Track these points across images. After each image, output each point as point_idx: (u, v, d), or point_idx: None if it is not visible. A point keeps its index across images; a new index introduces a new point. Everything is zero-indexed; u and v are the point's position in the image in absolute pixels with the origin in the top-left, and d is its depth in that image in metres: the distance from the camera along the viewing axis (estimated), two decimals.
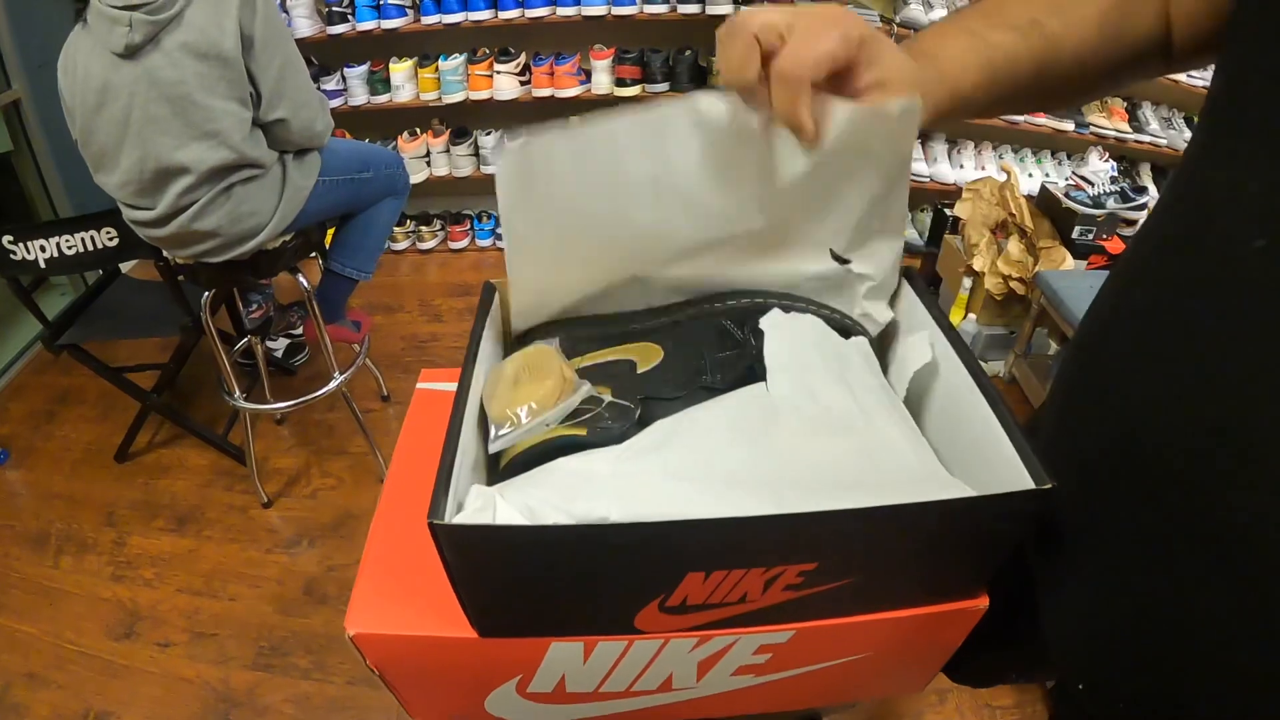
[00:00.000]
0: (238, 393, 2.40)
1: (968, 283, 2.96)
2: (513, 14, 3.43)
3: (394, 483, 0.78)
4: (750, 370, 0.70)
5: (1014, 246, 2.82)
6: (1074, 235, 2.82)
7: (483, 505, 0.57)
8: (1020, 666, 0.84)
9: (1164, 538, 0.58)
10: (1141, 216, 2.92)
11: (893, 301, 0.78)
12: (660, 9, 3.40)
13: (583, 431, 0.65)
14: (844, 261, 0.72)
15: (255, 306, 2.45)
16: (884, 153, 0.64)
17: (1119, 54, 0.70)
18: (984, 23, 0.68)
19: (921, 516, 0.57)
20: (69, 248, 2.31)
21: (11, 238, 2.28)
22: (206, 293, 2.25)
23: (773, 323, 0.71)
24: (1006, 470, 0.59)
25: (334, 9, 3.48)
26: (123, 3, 1.74)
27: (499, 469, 0.69)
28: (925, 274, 3.57)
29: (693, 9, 3.37)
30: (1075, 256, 2.79)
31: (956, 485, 0.61)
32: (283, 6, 3.45)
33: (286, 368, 3.11)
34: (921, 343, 0.70)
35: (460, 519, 0.56)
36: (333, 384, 2.44)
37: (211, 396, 3.00)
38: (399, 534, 0.73)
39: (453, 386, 0.83)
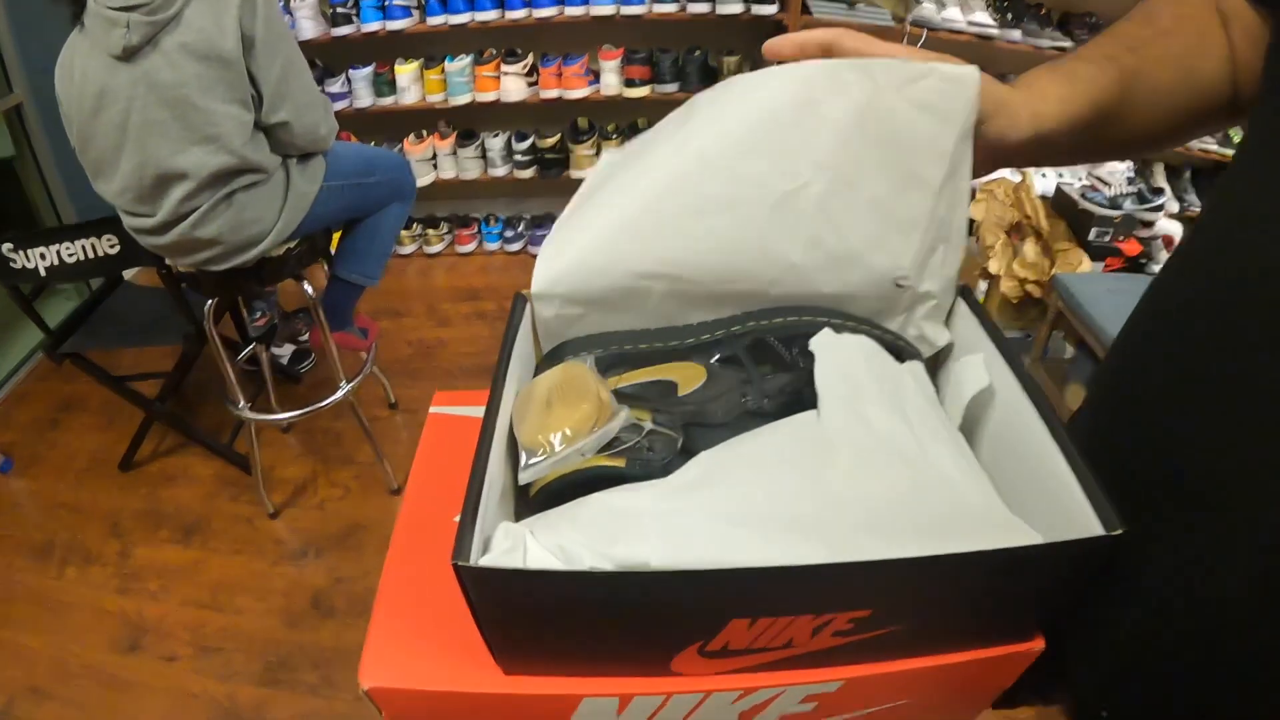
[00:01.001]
0: (242, 402, 2.37)
1: (983, 286, 2.93)
2: (519, 14, 3.40)
3: (408, 517, 0.73)
4: (799, 395, 0.66)
5: (1030, 249, 2.78)
6: (1090, 237, 2.78)
7: (512, 545, 0.53)
8: (1042, 686, 0.83)
9: (1206, 569, 0.58)
10: (1158, 218, 2.88)
11: (947, 320, 0.74)
12: (669, 8, 3.36)
13: (621, 463, 0.60)
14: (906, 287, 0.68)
15: (260, 314, 2.42)
16: (941, 136, 0.61)
17: (1189, 100, 0.70)
18: (1070, 58, 0.69)
19: (983, 564, 0.53)
20: (70, 255, 2.28)
21: (11, 245, 2.26)
22: (209, 301, 2.21)
23: (823, 344, 0.66)
24: (1072, 510, 0.55)
25: (338, 10, 3.44)
26: (120, 3, 1.71)
27: (529, 498, 0.64)
28: None
29: (702, 8, 3.33)
30: (1092, 259, 2.75)
31: (1019, 527, 0.57)
32: (286, 8, 3.42)
33: (292, 375, 3.09)
34: (977, 366, 0.66)
35: (488, 561, 0.51)
36: (339, 393, 2.40)
37: (216, 404, 2.97)
38: (414, 574, 0.68)
39: (468, 410, 0.78)
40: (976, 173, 0.64)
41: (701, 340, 0.71)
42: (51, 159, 3.44)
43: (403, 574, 0.69)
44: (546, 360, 0.73)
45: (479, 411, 0.63)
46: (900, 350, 0.70)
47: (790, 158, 0.62)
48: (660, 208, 0.65)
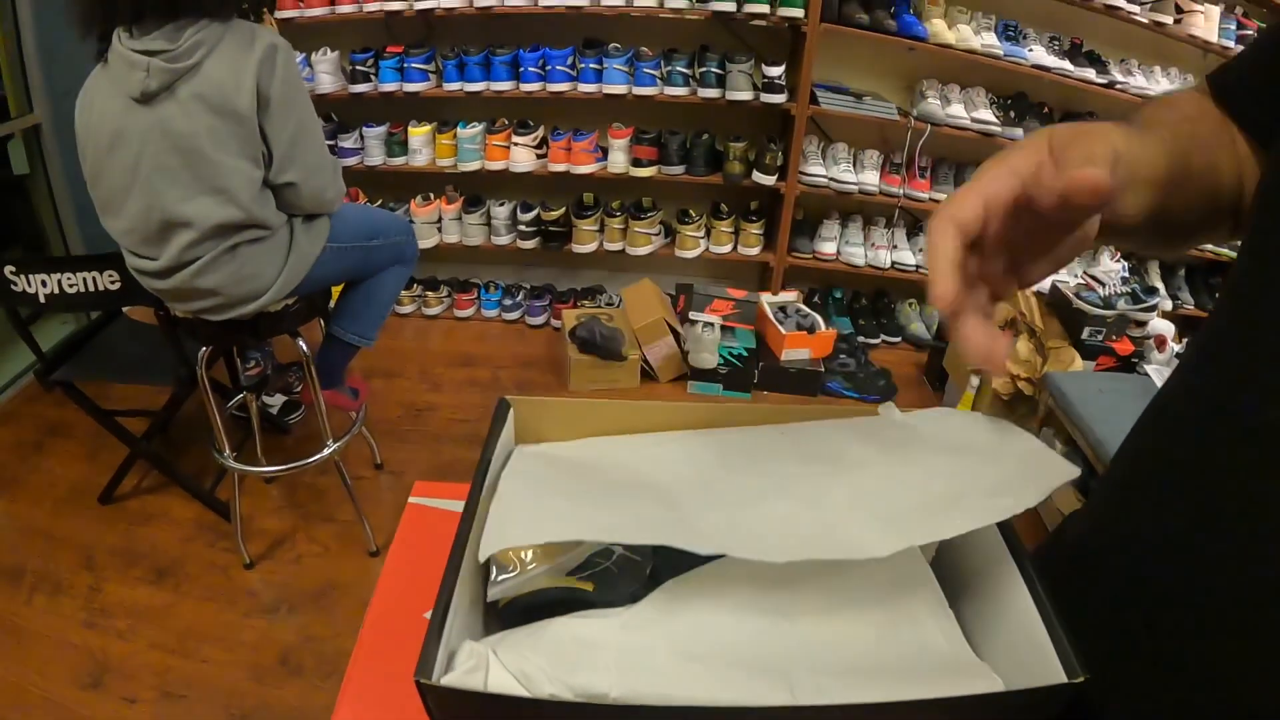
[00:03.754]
0: (228, 451, 2.36)
1: (975, 381, 2.94)
2: (534, 87, 3.46)
3: (376, 616, 0.73)
4: None
5: (1023, 346, 2.81)
6: (1083, 335, 2.82)
7: (474, 666, 0.53)
8: None
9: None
10: (1151, 318, 2.92)
11: None
12: (680, 91, 3.43)
13: (589, 587, 0.61)
14: None
15: (253, 363, 2.43)
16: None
17: (1213, 190, 0.68)
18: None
19: (947, 710, 0.53)
20: (70, 286, 2.30)
21: (14, 269, 2.28)
22: (204, 347, 2.22)
23: None
24: (1037, 657, 0.55)
25: (358, 68, 3.51)
26: (142, 47, 1.74)
27: (497, 608, 0.64)
28: (931, 370, 3.56)
29: (713, 94, 3.40)
30: (1084, 357, 2.78)
31: (983, 672, 0.58)
32: (307, 61, 3.48)
33: (280, 425, 3.08)
34: None
35: (450, 680, 0.51)
36: (325, 452, 2.40)
37: (201, 447, 2.95)
38: (379, 680, 0.68)
39: (446, 504, 0.79)
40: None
41: None
42: (64, 181, 3.49)
43: (367, 680, 0.69)
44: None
45: (457, 505, 0.64)
46: None
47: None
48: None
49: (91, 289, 2.31)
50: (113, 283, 2.30)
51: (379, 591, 0.75)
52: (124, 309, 2.73)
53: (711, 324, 3.20)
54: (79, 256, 2.28)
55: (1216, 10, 3.29)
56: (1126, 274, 3.13)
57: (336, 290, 2.41)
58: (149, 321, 2.42)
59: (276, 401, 3.10)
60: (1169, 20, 3.25)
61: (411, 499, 0.85)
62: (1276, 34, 0.72)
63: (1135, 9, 3.22)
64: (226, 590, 2.46)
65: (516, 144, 3.58)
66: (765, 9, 3.22)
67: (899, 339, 3.90)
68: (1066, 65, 3.33)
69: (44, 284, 2.30)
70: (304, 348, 2.22)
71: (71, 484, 2.86)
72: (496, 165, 3.62)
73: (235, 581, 2.49)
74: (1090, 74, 3.34)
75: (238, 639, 2.30)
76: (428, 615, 0.52)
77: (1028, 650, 0.56)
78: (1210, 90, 0.72)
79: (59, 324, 3.62)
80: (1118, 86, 3.31)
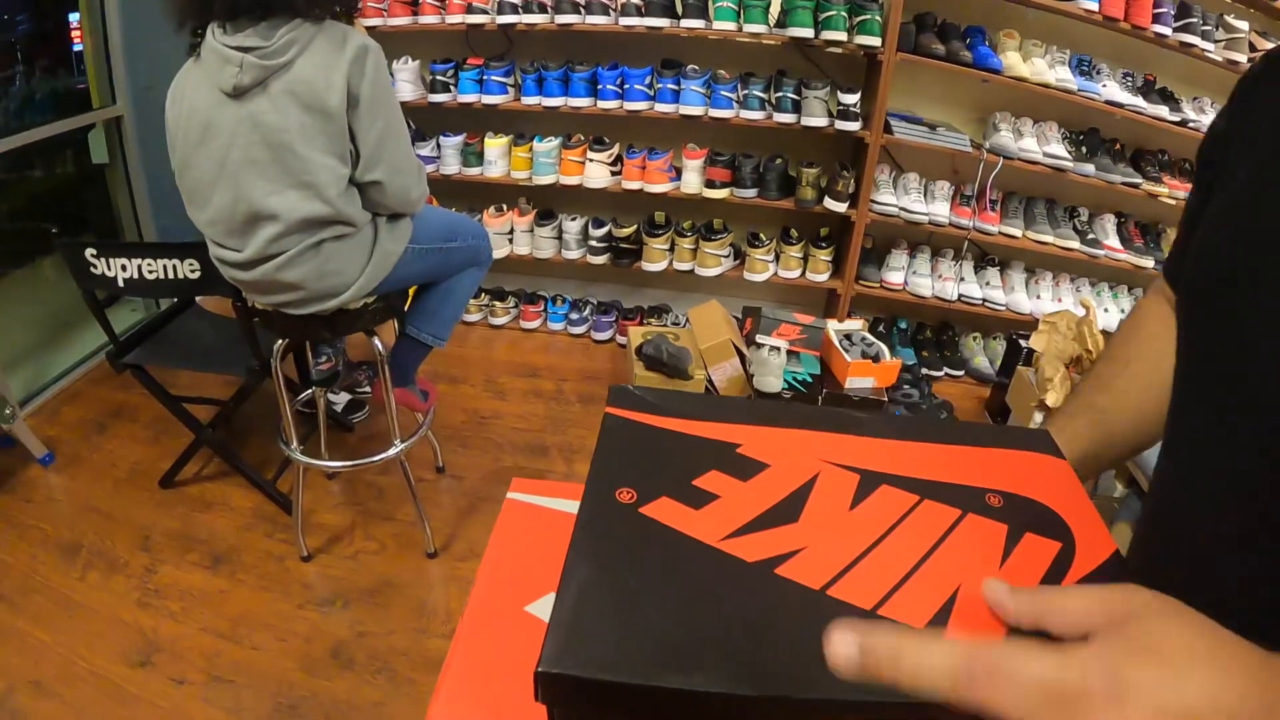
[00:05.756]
0: (295, 443, 2.39)
1: (1039, 417, 2.90)
2: (611, 104, 3.49)
3: (480, 603, 0.73)
4: None
5: None
6: None
7: None
8: None
9: None
10: None
11: None
12: (756, 115, 3.43)
13: None
14: None
15: (325, 359, 2.45)
16: None
17: (1157, 415, 0.80)
18: (1060, 415, 0.91)
19: None
20: (150, 272, 2.35)
21: (95, 251, 2.33)
22: (280, 340, 2.25)
23: None
24: None
25: (438, 78, 3.57)
26: (236, 43, 1.78)
27: None
28: (993, 405, 3.51)
29: (788, 119, 3.40)
30: None
31: None
32: (389, 69, 3.53)
33: (344, 423, 3.12)
34: None
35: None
36: (393, 450, 2.42)
37: (265, 439, 3.00)
38: (482, 662, 0.68)
39: (545, 501, 0.79)
40: None
41: None
42: (141, 173, 3.59)
43: (472, 657, 0.69)
44: None
45: (556, 504, 0.63)
46: None
47: None
48: None
49: (172, 276, 2.36)
50: (193, 271, 2.35)
51: (478, 585, 0.75)
52: (197, 299, 2.78)
53: (778, 348, 3.19)
54: (161, 243, 2.34)
55: None
56: None
57: (411, 291, 2.45)
58: (221, 312, 2.46)
59: (342, 400, 3.14)
60: (1242, 59, 3.19)
61: (510, 494, 0.85)
62: (1191, 203, 0.81)
63: (1209, 46, 3.18)
64: (282, 580, 2.49)
65: (592, 160, 3.61)
66: (842, 36, 3.21)
67: (962, 372, 3.86)
68: (1140, 102, 3.29)
69: (124, 268, 2.35)
70: (379, 346, 2.25)
71: (132, 466, 2.92)
72: (571, 180, 3.65)
73: (291, 573, 2.52)
74: (1163, 111, 3.30)
75: (290, 629, 2.32)
76: (529, 609, 0.52)
77: None
78: (1165, 280, 0.88)
79: (128, 310, 3.71)
80: (1190, 124, 3.26)
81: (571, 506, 0.59)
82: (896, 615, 0.51)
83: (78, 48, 3.40)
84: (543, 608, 0.53)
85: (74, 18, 3.35)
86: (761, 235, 3.76)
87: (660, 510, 0.56)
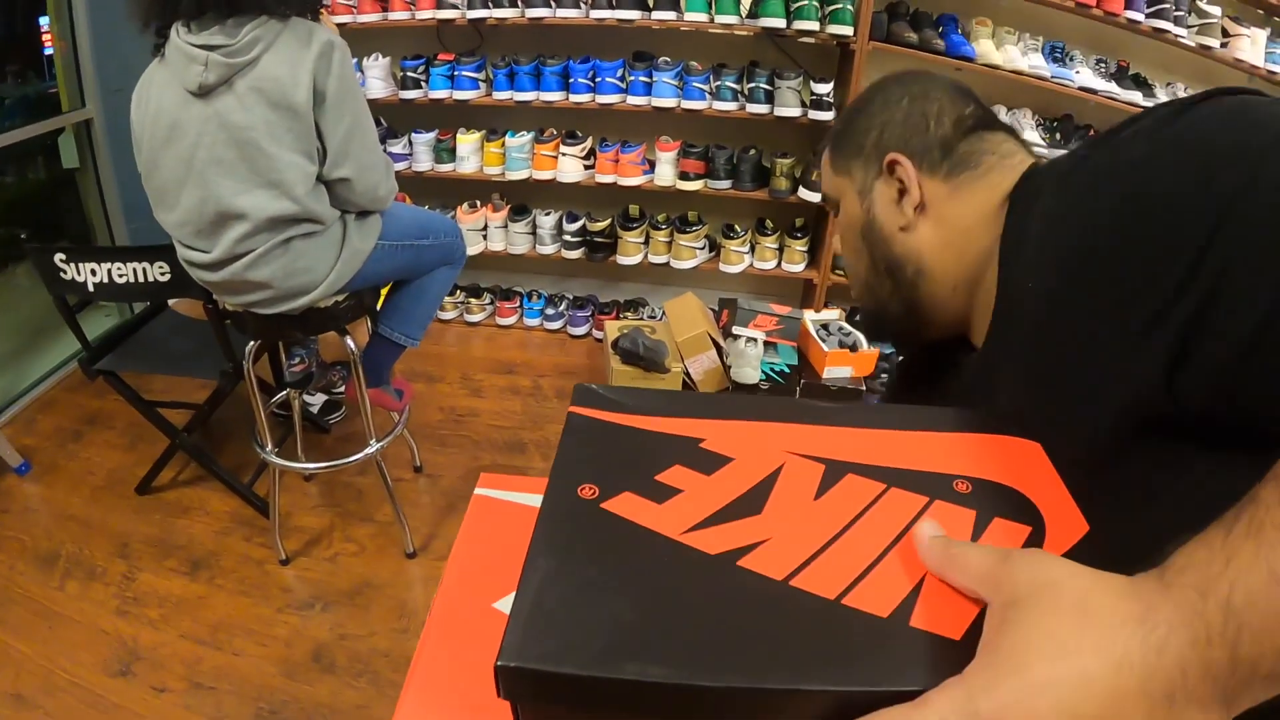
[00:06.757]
0: (270, 446, 2.38)
1: None
2: (584, 98, 3.48)
3: (446, 598, 0.72)
4: None
5: None
6: None
7: None
8: None
9: None
10: None
11: None
12: (729, 106, 3.43)
13: None
14: None
15: (298, 360, 2.44)
16: None
17: None
18: None
19: None
20: (120, 276, 2.34)
21: (64, 256, 2.31)
22: (252, 342, 2.24)
23: None
24: None
25: (409, 74, 3.56)
26: (201, 42, 1.77)
27: None
28: None
29: (761, 109, 3.41)
30: None
31: None
32: (359, 66, 3.53)
33: (320, 424, 3.10)
34: None
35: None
36: (369, 450, 2.41)
37: (241, 442, 2.99)
38: (450, 657, 0.68)
39: (513, 496, 0.78)
40: None
41: None
42: (113, 176, 3.57)
43: (439, 655, 0.68)
44: None
45: (524, 499, 0.63)
46: None
47: None
48: None
49: (141, 280, 2.35)
50: (162, 274, 2.33)
51: (445, 581, 0.75)
52: (169, 303, 2.77)
53: (755, 339, 3.19)
54: (129, 247, 2.33)
55: (1263, 34, 3.26)
56: None
57: (384, 291, 2.43)
58: (194, 315, 2.44)
59: (317, 401, 3.13)
60: (1215, 44, 3.22)
61: (478, 490, 0.84)
62: None
63: (1182, 32, 3.19)
64: (261, 585, 2.47)
65: (564, 154, 3.60)
66: (815, 26, 3.21)
67: None
68: (1113, 88, 3.31)
69: (93, 273, 2.34)
70: (351, 346, 2.24)
71: (109, 473, 2.90)
72: (544, 175, 3.65)
73: (270, 577, 2.50)
74: (1136, 96, 3.32)
75: (270, 634, 2.31)
76: (497, 605, 0.51)
77: None
78: None
79: (102, 315, 3.69)
80: None
81: (540, 501, 0.59)
82: (860, 605, 0.51)
83: (48, 51, 3.37)
84: (510, 604, 0.53)
85: (44, 21, 3.32)
86: (736, 226, 3.76)
87: (622, 505, 0.56)
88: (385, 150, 3.53)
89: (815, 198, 3.51)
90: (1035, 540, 0.60)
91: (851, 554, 0.55)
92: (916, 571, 0.54)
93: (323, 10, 2.08)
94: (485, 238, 3.85)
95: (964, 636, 0.49)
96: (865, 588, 0.52)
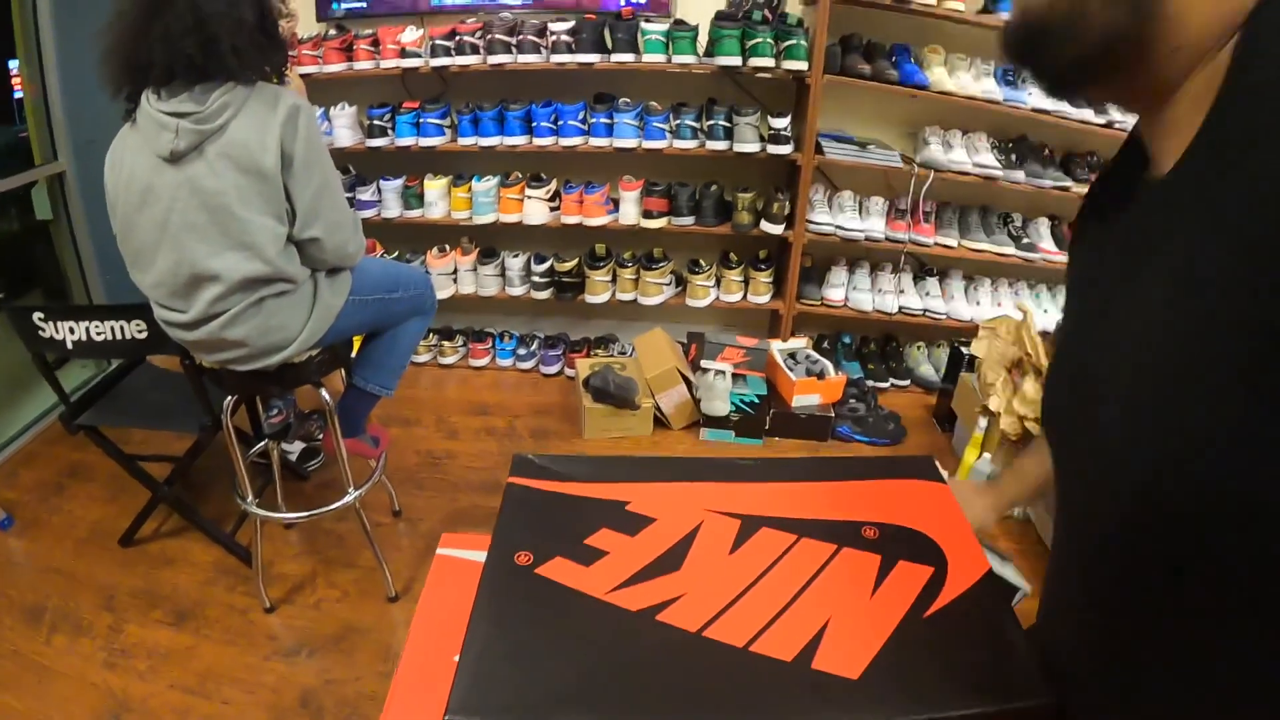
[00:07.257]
0: (251, 497, 2.41)
1: (983, 422, 2.98)
2: (547, 141, 3.56)
3: (410, 660, 0.78)
4: None
5: (1030, 386, 2.84)
6: None
7: None
8: None
9: None
10: None
11: None
12: (689, 145, 3.51)
13: None
14: None
15: (276, 411, 2.48)
16: None
17: None
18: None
19: None
20: (98, 334, 2.38)
21: (42, 316, 2.35)
22: (229, 396, 2.28)
23: None
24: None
25: (375, 123, 3.62)
26: (171, 109, 1.81)
27: None
28: (940, 412, 3.60)
29: (720, 146, 3.48)
30: None
31: None
32: (326, 115, 3.59)
33: (299, 472, 3.13)
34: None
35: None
36: (347, 499, 2.44)
37: (222, 492, 3.01)
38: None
39: (472, 554, 0.85)
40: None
41: None
42: (87, 229, 3.60)
43: (407, 703, 0.73)
44: None
45: (480, 556, 0.69)
46: None
47: None
48: None
49: (119, 337, 2.39)
50: (140, 332, 2.37)
51: (411, 638, 0.80)
52: (147, 357, 2.80)
53: (723, 372, 3.25)
54: (107, 306, 2.35)
55: None
56: None
57: (357, 341, 2.48)
58: (172, 366, 2.47)
59: (295, 449, 3.16)
60: None
61: (440, 550, 0.90)
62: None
63: None
64: (247, 633, 2.49)
65: (530, 197, 3.67)
66: (770, 63, 3.29)
67: (908, 382, 3.94)
68: (1065, 107, 3.36)
69: (72, 331, 2.38)
70: (326, 398, 2.28)
71: (92, 525, 2.91)
72: (510, 218, 3.71)
73: (256, 625, 2.52)
74: (1088, 114, 3.38)
75: (258, 681, 2.32)
76: (457, 659, 0.58)
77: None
78: None
79: (79, 367, 3.71)
80: (1117, 125, 3.35)
81: None
82: (767, 650, 0.57)
83: (18, 94, 3.37)
84: None
85: (14, 65, 3.32)
86: (701, 261, 3.83)
87: (554, 570, 0.63)
88: (354, 198, 3.61)
89: (778, 230, 3.58)
90: (937, 580, 0.67)
91: (761, 603, 0.61)
92: (822, 616, 0.60)
93: (289, 62, 2.13)
94: (455, 281, 3.90)
95: (861, 676, 0.56)
96: (772, 635, 0.59)
